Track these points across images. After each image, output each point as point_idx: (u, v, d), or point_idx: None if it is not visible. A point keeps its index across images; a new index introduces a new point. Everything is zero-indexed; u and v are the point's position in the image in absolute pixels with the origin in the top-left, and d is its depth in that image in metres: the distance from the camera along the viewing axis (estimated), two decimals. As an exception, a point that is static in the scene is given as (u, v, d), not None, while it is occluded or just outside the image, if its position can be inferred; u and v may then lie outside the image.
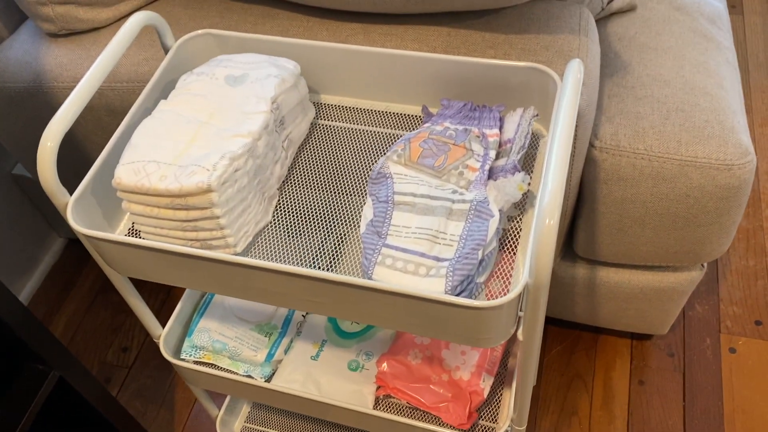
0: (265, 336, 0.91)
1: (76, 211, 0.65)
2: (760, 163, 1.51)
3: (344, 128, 0.79)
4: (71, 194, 0.65)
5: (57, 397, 0.91)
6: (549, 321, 1.27)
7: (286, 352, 0.91)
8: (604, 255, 1.02)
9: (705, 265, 1.05)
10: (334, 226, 0.70)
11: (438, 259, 0.61)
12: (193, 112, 0.69)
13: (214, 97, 0.70)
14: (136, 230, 0.71)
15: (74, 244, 1.51)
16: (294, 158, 0.76)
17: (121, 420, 1.00)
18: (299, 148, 0.77)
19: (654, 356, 1.24)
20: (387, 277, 0.61)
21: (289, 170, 0.75)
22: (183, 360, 0.89)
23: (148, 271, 0.67)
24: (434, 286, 0.60)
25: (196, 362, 0.89)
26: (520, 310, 0.61)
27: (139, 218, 0.66)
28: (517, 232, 0.68)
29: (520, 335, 0.62)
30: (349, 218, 0.70)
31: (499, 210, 0.64)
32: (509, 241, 0.67)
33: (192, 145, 0.65)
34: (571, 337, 1.28)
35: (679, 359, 1.24)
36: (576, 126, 0.80)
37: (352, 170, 0.74)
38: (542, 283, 0.54)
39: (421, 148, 0.68)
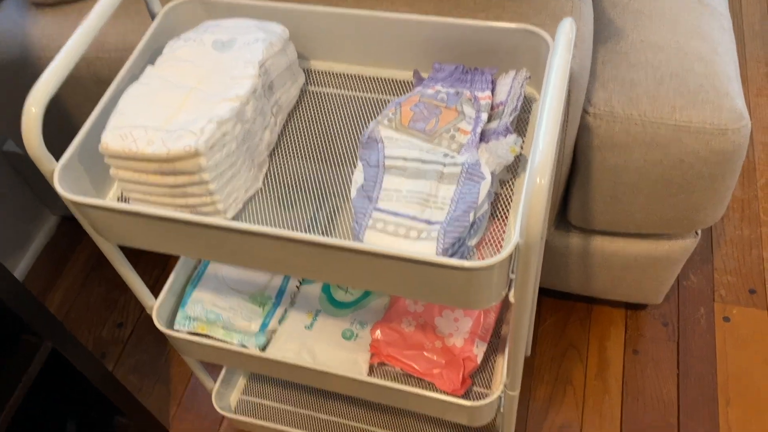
0: (259, 306, 0.91)
1: (64, 179, 0.64)
2: (755, 132, 1.50)
3: (334, 94, 0.78)
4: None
5: (51, 369, 0.91)
6: (543, 292, 1.27)
7: (280, 322, 0.91)
8: (598, 224, 1.02)
9: (699, 232, 1.05)
10: (325, 192, 0.69)
11: (429, 222, 0.61)
12: (180, 77, 0.68)
13: (202, 62, 0.69)
14: (125, 197, 0.70)
15: (68, 221, 1.50)
16: (284, 125, 0.76)
17: (115, 392, 1.00)
18: (289, 114, 0.76)
19: (648, 326, 1.25)
20: (378, 240, 0.61)
21: (279, 137, 0.75)
22: (177, 331, 0.88)
23: (138, 237, 0.67)
24: (425, 249, 0.59)
25: (190, 333, 0.89)
26: (512, 273, 0.61)
27: (128, 185, 0.65)
28: (509, 198, 0.67)
29: (511, 297, 0.61)
30: (340, 184, 0.70)
31: (491, 173, 0.63)
32: (501, 208, 0.66)
33: (180, 111, 0.64)
34: (565, 308, 1.28)
35: (674, 329, 1.24)
36: (569, 90, 0.80)
37: (342, 136, 0.74)
38: (533, 243, 0.54)
39: (412, 112, 0.67)
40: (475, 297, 0.59)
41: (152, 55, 0.75)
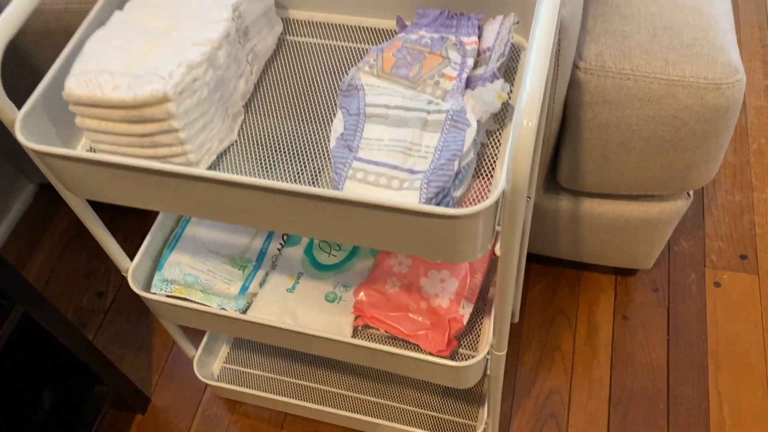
0: (239, 269, 0.88)
1: (27, 128, 0.61)
2: (748, 97, 1.48)
3: (314, 44, 0.74)
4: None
5: (24, 336, 0.88)
6: (532, 258, 1.25)
7: (261, 285, 0.88)
8: (588, 185, 1.00)
9: (691, 194, 1.03)
10: (305, 145, 0.66)
11: (412, 172, 0.58)
12: (150, 23, 0.64)
13: (173, 7, 0.65)
14: (93, 150, 0.67)
15: (45, 189, 1.46)
16: (261, 76, 0.72)
17: (93, 359, 0.97)
18: (266, 65, 0.73)
19: (638, 292, 1.23)
20: (358, 191, 0.58)
21: (255, 88, 0.71)
22: (153, 294, 0.86)
23: (107, 191, 0.63)
24: (408, 199, 0.57)
25: (168, 297, 0.86)
26: (498, 226, 0.58)
27: (95, 135, 0.62)
28: (496, 150, 0.64)
29: (497, 250, 0.59)
30: (320, 137, 0.66)
31: (477, 121, 0.60)
32: (487, 163, 0.63)
33: (148, 56, 0.61)
34: (554, 274, 1.26)
35: (664, 294, 1.23)
36: (559, 40, 0.77)
37: (322, 87, 0.70)
38: (520, 189, 0.51)
39: (394, 58, 0.64)
40: (460, 248, 0.56)
41: (121, 1, 0.71)
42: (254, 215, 0.60)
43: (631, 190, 0.98)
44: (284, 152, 0.66)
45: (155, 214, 1.40)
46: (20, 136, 0.59)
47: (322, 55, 0.73)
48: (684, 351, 1.16)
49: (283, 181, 0.63)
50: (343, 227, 0.58)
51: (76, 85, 0.59)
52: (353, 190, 0.58)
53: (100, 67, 0.60)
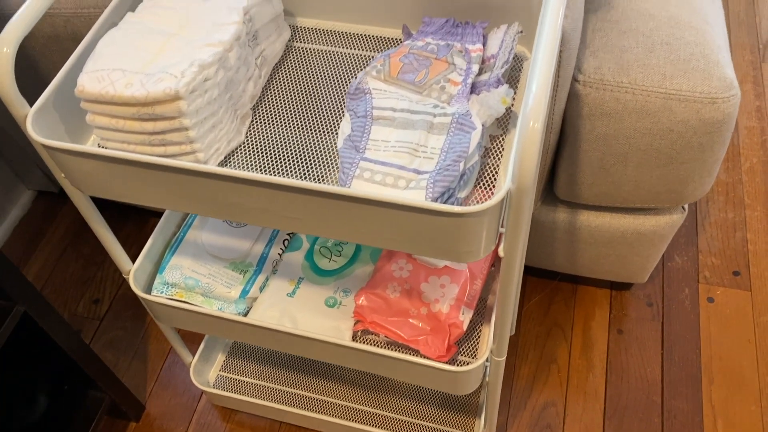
0: (240, 273, 0.88)
1: (38, 124, 0.62)
2: (740, 117, 1.50)
3: (321, 51, 0.76)
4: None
5: (22, 337, 0.88)
6: (528, 271, 1.26)
7: (261, 289, 0.88)
8: (585, 197, 1.01)
9: (686, 207, 1.04)
10: (312, 148, 0.67)
11: (418, 172, 0.59)
12: (162, 24, 0.66)
13: (184, 9, 0.67)
14: (102, 146, 0.67)
15: (43, 195, 1.46)
16: (269, 80, 0.73)
17: (89, 363, 0.97)
18: (275, 70, 0.74)
19: (633, 306, 1.24)
20: (365, 189, 0.59)
21: (264, 92, 0.72)
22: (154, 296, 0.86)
23: (114, 187, 0.64)
24: (414, 198, 0.58)
25: (168, 299, 0.86)
26: (502, 227, 0.59)
27: (105, 132, 0.63)
28: (499, 155, 0.65)
29: (501, 252, 0.60)
30: (326, 140, 0.68)
31: (482, 124, 0.61)
32: (490, 170, 0.64)
33: (160, 55, 0.62)
34: (550, 287, 1.27)
35: (658, 309, 1.24)
36: (560, 51, 0.78)
37: (329, 93, 0.71)
38: (526, 188, 0.52)
39: (401, 63, 0.66)
40: (465, 247, 0.57)
41: (133, 4, 0.72)
42: (262, 213, 0.61)
43: (628, 202, 1.00)
44: (290, 155, 0.66)
45: (154, 221, 1.40)
46: (31, 132, 0.60)
47: (328, 62, 0.74)
48: (678, 365, 1.17)
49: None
50: (351, 225, 0.59)
51: (88, 82, 0.60)
52: (361, 188, 0.59)
53: (113, 65, 0.61)
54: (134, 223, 1.39)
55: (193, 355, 1.08)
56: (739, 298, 1.24)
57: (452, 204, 0.59)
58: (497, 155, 0.65)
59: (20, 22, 0.59)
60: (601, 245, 1.10)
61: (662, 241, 1.08)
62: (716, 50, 0.88)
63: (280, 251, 0.91)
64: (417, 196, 0.57)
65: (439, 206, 0.53)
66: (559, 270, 1.20)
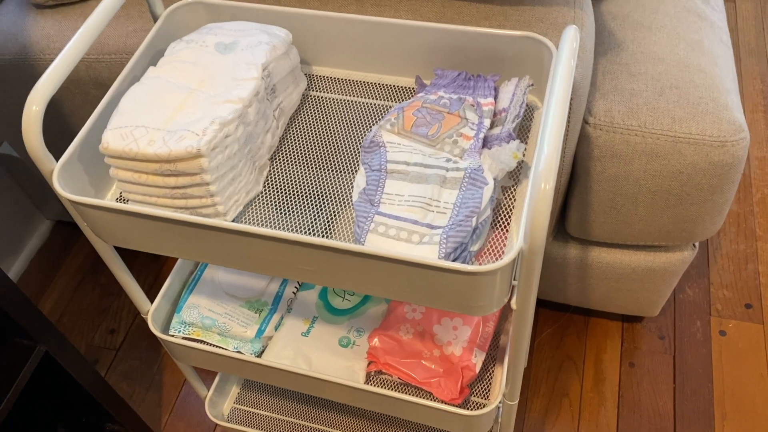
0: (256, 312, 0.90)
1: (63, 178, 0.64)
2: (751, 148, 1.51)
3: (336, 100, 0.77)
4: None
5: (43, 374, 0.90)
6: (540, 303, 1.27)
7: (276, 328, 0.90)
8: (596, 234, 1.02)
9: (697, 245, 1.05)
10: (327, 197, 0.69)
11: (431, 227, 0.61)
12: (182, 78, 0.68)
13: (204, 64, 0.69)
14: (124, 198, 0.69)
15: (61, 225, 1.49)
16: (285, 129, 0.75)
17: (107, 398, 0.99)
18: (291, 119, 0.76)
19: (645, 339, 1.25)
20: (379, 244, 0.60)
21: (280, 141, 0.74)
22: (172, 336, 0.87)
23: (136, 239, 0.66)
24: (427, 253, 0.59)
25: (185, 338, 0.88)
26: (514, 280, 0.60)
27: (127, 185, 0.65)
28: (511, 206, 0.67)
29: (513, 304, 0.61)
30: (341, 189, 0.69)
31: (494, 179, 0.63)
32: (503, 216, 0.66)
33: (181, 111, 0.64)
34: (562, 320, 1.28)
35: (670, 342, 1.24)
36: (570, 99, 0.80)
37: (344, 142, 0.73)
38: (537, 248, 0.53)
39: (414, 117, 0.67)
40: (477, 302, 0.58)
41: (154, 57, 0.74)
42: (278, 266, 0.63)
43: (638, 240, 1.01)
44: (306, 204, 0.68)
45: (168, 256, 1.42)
46: (57, 187, 0.62)
47: (343, 111, 0.76)
48: (690, 399, 1.17)
49: (301, 227, 0.66)
50: (365, 279, 0.60)
51: (113, 140, 0.62)
52: (375, 243, 0.61)
53: (136, 122, 0.63)
54: (147, 256, 1.41)
55: (208, 388, 1.10)
56: (752, 331, 1.24)
57: (465, 257, 0.61)
58: (510, 200, 0.67)
59: (49, 82, 0.61)
60: (613, 281, 1.11)
61: (673, 277, 1.08)
62: (725, 93, 0.90)
63: (295, 290, 0.93)
64: (430, 251, 0.59)
65: (451, 265, 0.54)
66: (571, 303, 1.21)
